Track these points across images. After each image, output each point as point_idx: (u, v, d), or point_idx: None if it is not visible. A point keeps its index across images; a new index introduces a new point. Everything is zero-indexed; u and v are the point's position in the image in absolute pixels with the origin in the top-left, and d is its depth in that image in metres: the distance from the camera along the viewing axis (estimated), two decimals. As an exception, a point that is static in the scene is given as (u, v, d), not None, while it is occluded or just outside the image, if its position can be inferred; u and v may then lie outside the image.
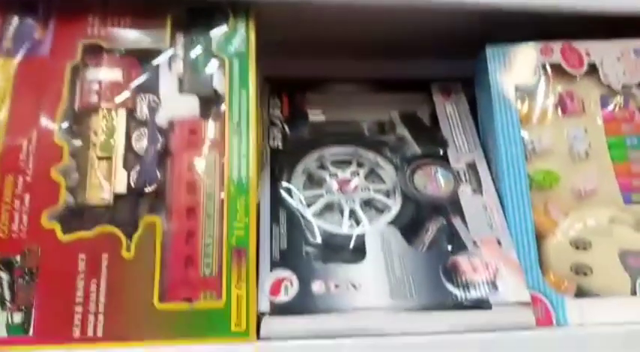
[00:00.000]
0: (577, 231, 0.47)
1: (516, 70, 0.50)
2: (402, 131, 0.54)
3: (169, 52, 0.46)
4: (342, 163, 0.52)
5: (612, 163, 0.49)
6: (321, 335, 0.40)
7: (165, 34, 0.46)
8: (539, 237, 0.47)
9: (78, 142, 0.44)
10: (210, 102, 0.45)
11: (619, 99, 0.51)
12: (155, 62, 0.46)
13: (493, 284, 0.43)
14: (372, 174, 0.52)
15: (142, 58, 0.46)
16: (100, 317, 0.39)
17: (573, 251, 0.47)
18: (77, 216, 0.42)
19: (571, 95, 0.51)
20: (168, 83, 0.45)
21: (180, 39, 0.46)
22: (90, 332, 0.38)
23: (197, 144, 0.44)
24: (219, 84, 0.45)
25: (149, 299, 0.39)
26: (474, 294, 0.42)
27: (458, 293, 0.42)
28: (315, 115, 0.55)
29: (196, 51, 0.46)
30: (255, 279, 0.41)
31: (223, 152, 0.43)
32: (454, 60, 0.55)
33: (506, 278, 0.43)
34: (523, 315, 0.42)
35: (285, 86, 0.56)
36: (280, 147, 0.51)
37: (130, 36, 0.46)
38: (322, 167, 0.52)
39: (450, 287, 0.42)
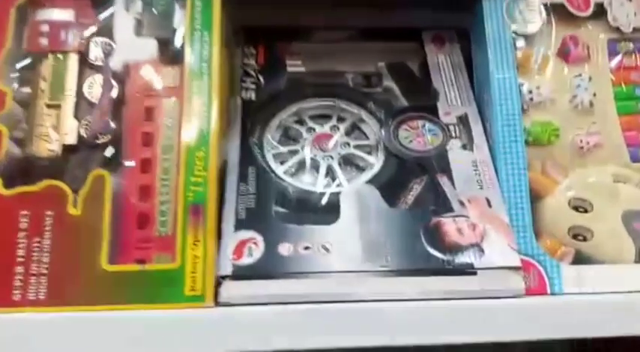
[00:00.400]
0: (577, 190, 0.43)
1: (514, 12, 0.45)
2: (389, 83, 0.49)
3: (126, -9, 0.42)
4: (322, 117, 0.48)
5: (619, 116, 0.44)
6: (287, 301, 0.36)
7: (122, -30, 0.42)
8: (536, 198, 0.43)
9: (26, 89, 0.40)
10: (170, 45, 0.41)
11: (629, 44, 0.45)
12: (110, 2, 0.41)
13: (479, 248, 0.38)
14: (356, 130, 0.48)
15: (95, -3, 0.42)
16: (43, 279, 0.35)
17: (572, 213, 0.42)
18: (22, 169, 0.38)
19: (575, 40, 0.45)
20: (124, 25, 0.41)
21: (138, -25, 0.42)
22: (32, 295, 0.35)
23: (155, 91, 0.40)
24: (181, 25, 0.41)
25: (97, 260, 0.36)
26: (457, 258, 0.38)
27: (440, 256, 0.38)
28: (295, 66, 0.50)
29: (155, -11, 0.42)
30: (214, 239, 0.37)
31: (183, 99, 0.39)
32: (450, 11, 0.50)
33: (494, 241, 0.39)
34: (511, 282, 0.38)
35: (263, 35, 0.51)
36: (253, 99, 0.47)
37: (82, -28, 0.41)
38: (300, 121, 0.47)
39: (431, 250, 0.38)
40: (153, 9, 0.42)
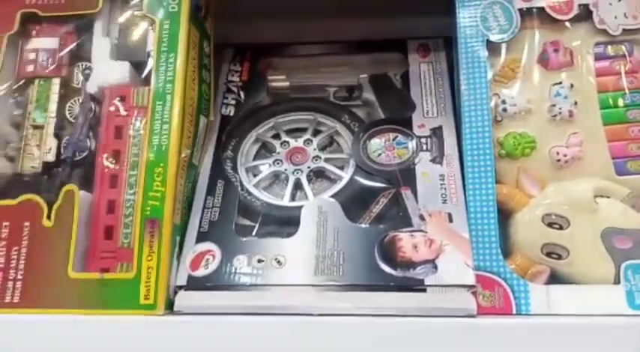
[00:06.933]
0: (551, 206, 0.40)
1: (489, 18, 0.43)
2: (369, 95, 0.49)
3: (104, 17, 0.45)
4: (300, 131, 0.49)
5: (604, 125, 0.41)
6: (235, 312, 0.37)
7: (100, -3, 0.45)
8: (508, 213, 0.41)
9: (17, 112, 0.44)
10: (141, 66, 0.43)
11: (619, 47, 0.42)
12: (90, 28, 0.45)
13: (433, 265, 0.37)
14: (334, 143, 0.48)
15: (78, 24, 0.45)
16: (18, 284, 0.39)
17: (546, 229, 0.40)
18: (9, 184, 0.42)
19: (557, 45, 0.43)
20: (100, 49, 0.44)
21: (115, 1, 0.45)
22: (8, 298, 0.39)
23: (127, 111, 0.42)
24: (152, 47, 0.43)
25: (64, 268, 0.39)
26: (408, 275, 0.37)
27: (391, 272, 0.38)
28: (278, 81, 0.51)
29: (129, 14, 0.44)
30: (168, 251, 0.39)
31: (148, 119, 0.41)
32: (437, 16, 0.49)
33: (450, 258, 0.38)
34: (462, 300, 0.36)
35: (250, 52, 0.53)
36: (232, 114, 0.48)
37: (65, 2, 0.45)
38: (277, 136, 0.48)
39: (382, 265, 0.38)
40: (126, 33, 0.44)
